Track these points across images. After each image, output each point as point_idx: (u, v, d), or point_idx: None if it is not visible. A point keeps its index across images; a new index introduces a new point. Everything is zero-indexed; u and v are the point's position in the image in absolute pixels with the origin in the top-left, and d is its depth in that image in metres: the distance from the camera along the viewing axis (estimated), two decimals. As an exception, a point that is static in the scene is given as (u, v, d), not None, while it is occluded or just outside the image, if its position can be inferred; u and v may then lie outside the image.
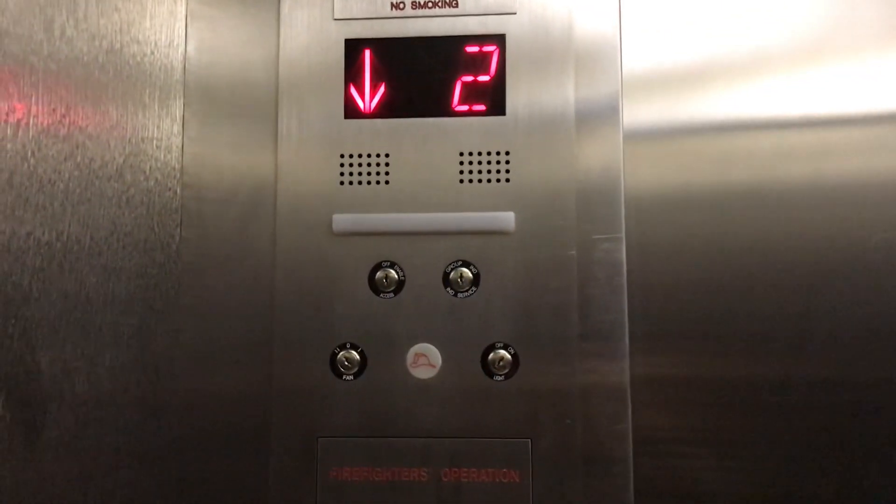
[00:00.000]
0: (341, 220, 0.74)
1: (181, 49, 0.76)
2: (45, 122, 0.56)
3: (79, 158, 0.60)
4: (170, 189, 0.73)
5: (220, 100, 0.77)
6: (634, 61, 0.76)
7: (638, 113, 0.75)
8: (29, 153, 0.54)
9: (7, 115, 0.51)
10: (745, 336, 0.73)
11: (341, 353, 0.73)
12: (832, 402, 0.72)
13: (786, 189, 0.74)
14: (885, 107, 0.75)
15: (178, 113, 0.75)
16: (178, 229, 0.74)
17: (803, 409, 0.73)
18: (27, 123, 0.54)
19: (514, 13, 0.75)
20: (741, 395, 0.73)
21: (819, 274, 0.73)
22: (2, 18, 0.51)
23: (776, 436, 0.73)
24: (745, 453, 0.73)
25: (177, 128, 0.75)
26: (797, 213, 0.74)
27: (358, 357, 0.73)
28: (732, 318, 0.73)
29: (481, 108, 0.74)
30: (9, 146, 0.52)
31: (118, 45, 0.66)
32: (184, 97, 0.75)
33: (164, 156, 0.73)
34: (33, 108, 0.54)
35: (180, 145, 0.75)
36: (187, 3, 0.76)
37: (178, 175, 0.75)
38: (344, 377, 0.73)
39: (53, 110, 0.57)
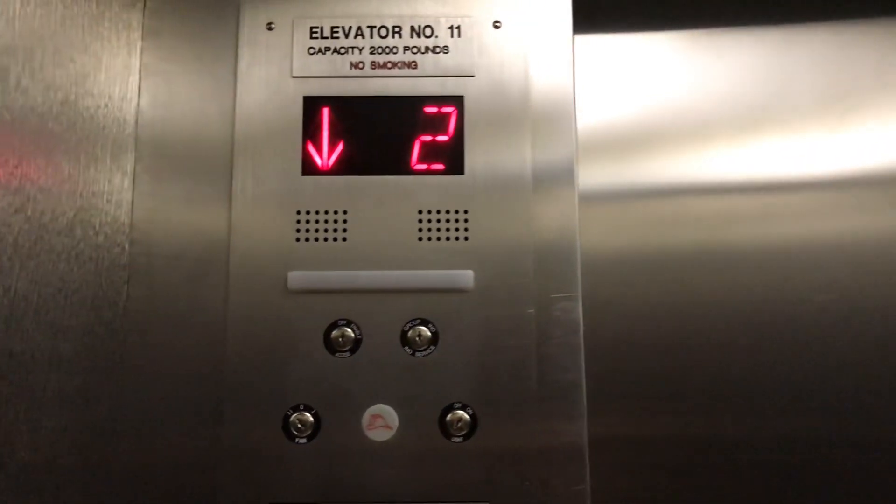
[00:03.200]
0: (297, 278, 0.72)
1: (134, 103, 0.74)
2: (-3, 173, 0.54)
3: (29, 212, 0.58)
4: (118, 245, 0.71)
5: (174, 155, 0.75)
6: (589, 126, 0.78)
7: (592, 175, 0.77)
8: (-21, 205, 0.52)
9: (-41, 164, 0.49)
10: (697, 394, 0.74)
11: (294, 414, 0.71)
12: (785, 460, 0.73)
13: (732, 251, 0.76)
14: (822, 173, 0.78)
15: (130, 167, 0.73)
16: (126, 286, 0.72)
17: (756, 467, 0.73)
18: (-22, 174, 0.51)
19: (473, 76, 0.76)
20: (695, 455, 0.73)
21: (765, 333, 0.75)
22: (-42, 66, 0.49)
23: (731, 495, 0.73)
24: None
25: (127, 182, 0.73)
26: (743, 274, 0.76)
27: (312, 419, 0.71)
28: (684, 377, 0.74)
29: (440, 167, 0.75)
30: (-41, 197, 0.49)
31: (73, 97, 0.64)
32: (135, 151, 0.74)
33: (115, 210, 0.71)
34: (-15, 159, 0.52)
35: (130, 200, 0.73)
36: (141, 58, 0.75)
37: (127, 231, 0.72)
38: (297, 440, 0.71)
39: (6, 161, 0.55)
